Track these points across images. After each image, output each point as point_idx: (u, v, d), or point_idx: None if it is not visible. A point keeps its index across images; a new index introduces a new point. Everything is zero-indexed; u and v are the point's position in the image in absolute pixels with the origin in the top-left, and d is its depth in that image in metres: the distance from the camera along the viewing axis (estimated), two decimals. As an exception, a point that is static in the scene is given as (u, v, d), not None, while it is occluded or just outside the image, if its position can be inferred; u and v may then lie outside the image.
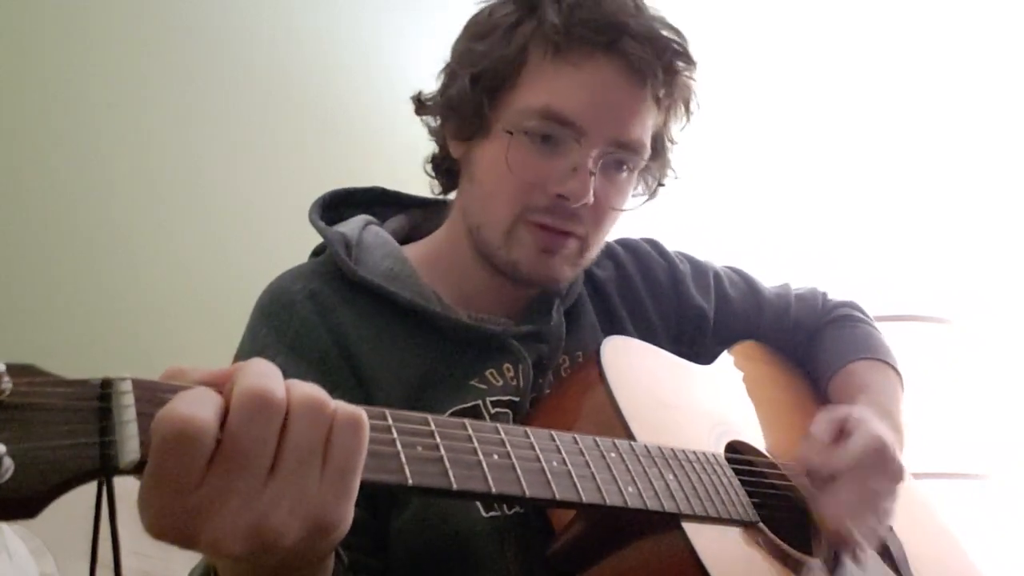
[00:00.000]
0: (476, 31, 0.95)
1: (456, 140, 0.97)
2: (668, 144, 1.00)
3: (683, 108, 0.98)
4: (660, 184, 1.01)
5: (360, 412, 0.52)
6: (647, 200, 1.02)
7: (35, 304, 1.70)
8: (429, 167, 1.05)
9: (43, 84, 1.76)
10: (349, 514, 0.52)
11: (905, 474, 0.96)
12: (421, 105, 1.01)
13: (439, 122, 0.99)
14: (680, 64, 0.93)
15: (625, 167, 0.94)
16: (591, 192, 0.89)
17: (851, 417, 0.96)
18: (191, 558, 0.74)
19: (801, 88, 2.55)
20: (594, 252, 0.98)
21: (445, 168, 1.03)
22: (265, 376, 0.50)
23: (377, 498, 0.86)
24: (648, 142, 0.94)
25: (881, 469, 0.93)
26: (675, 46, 0.92)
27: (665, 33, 0.92)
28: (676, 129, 1.00)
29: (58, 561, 1.37)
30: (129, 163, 1.85)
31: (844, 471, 0.91)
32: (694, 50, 0.94)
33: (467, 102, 0.92)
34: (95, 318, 1.76)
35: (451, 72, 0.96)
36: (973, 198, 2.44)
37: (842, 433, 0.95)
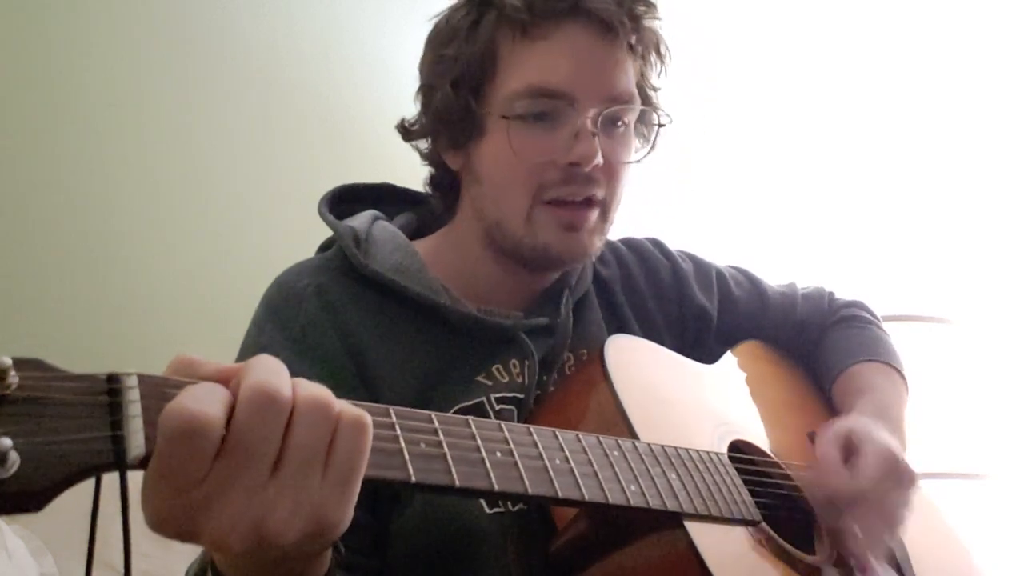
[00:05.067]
0: (440, 40, 0.96)
1: (452, 151, 0.98)
2: (651, 92, 1.01)
3: (655, 53, 0.99)
4: (660, 125, 1.01)
5: (364, 415, 0.52)
6: (651, 150, 1.02)
7: (35, 303, 1.70)
8: (429, 188, 1.06)
9: (43, 84, 1.75)
10: (349, 514, 0.52)
11: (917, 479, 0.95)
12: (407, 131, 1.02)
13: (430, 142, 1.00)
14: (642, 8, 0.95)
15: (621, 122, 0.95)
16: (599, 152, 0.90)
17: (854, 431, 0.95)
18: (191, 559, 0.73)
19: (802, 89, 2.55)
20: (614, 214, 0.98)
21: (446, 184, 1.04)
22: (273, 373, 0.50)
23: (378, 498, 0.86)
24: (635, 91, 0.96)
25: (896, 480, 0.92)
26: None
27: None
28: (654, 76, 1.01)
29: (58, 561, 1.37)
30: (130, 162, 1.85)
31: (867, 493, 0.90)
32: None
33: (454, 108, 0.93)
34: (95, 317, 1.76)
35: (428, 87, 0.97)
36: (973, 198, 2.44)
37: (849, 449, 0.94)
